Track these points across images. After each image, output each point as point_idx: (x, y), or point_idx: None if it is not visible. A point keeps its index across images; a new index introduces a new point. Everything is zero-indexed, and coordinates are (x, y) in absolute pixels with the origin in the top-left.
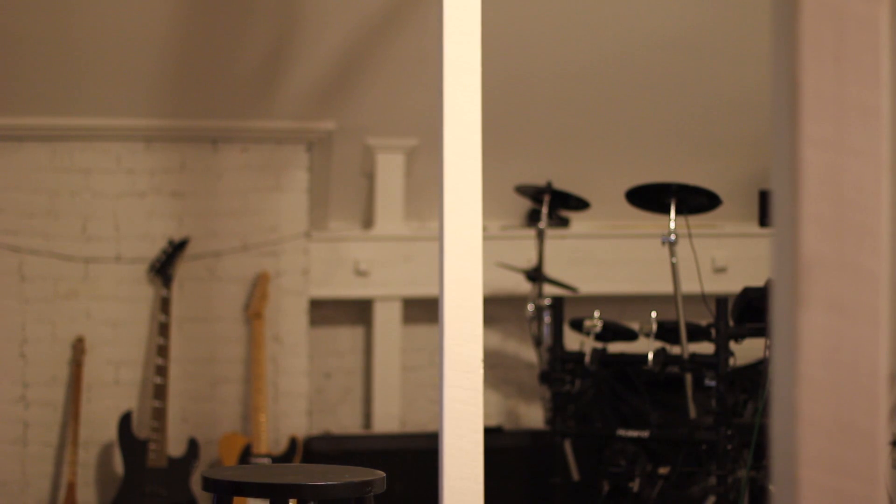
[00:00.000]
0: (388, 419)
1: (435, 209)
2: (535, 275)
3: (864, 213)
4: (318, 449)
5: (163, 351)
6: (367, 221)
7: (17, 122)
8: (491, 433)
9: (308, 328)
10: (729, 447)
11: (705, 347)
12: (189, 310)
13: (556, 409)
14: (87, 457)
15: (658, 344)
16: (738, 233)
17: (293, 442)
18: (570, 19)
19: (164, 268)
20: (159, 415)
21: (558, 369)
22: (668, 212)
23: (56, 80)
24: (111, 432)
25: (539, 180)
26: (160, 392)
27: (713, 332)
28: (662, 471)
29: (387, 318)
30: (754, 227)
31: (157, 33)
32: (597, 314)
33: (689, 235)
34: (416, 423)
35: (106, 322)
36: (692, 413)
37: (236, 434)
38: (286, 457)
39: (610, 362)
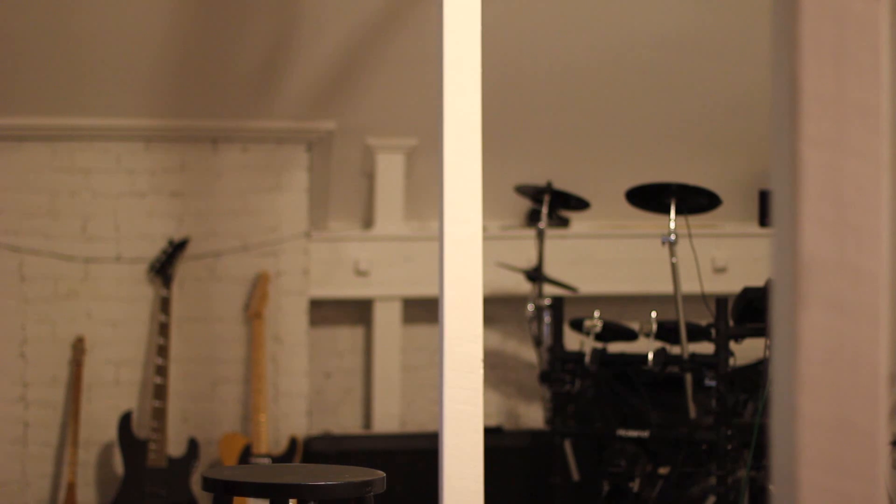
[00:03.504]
0: (388, 419)
1: (435, 209)
2: (535, 275)
3: (864, 214)
4: (318, 449)
5: (163, 351)
6: (367, 221)
7: (17, 122)
8: (491, 433)
9: (308, 328)
10: (729, 447)
11: (705, 347)
12: (189, 310)
13: (556, 409)
14: (87, 457)
15: (658, 344)
16: (738, 233)
17: (293, 442)
18: (570, 19)
19: (164, 268)
20: (159, 415)
21: (558, 369)
22: (668, 212)
23: (56, 80)
24: (111, 432)
25: (539, 180)
26: (160, 392)
27: (713, 332)
28: (662, 471)
29: (387, 318)
30: (754, 227)
31: (157, 33)
32: (597, 314)
33: (689, 235)
34: (416, 423)
35: (106, 322)
36: (692, 413)
37: (236, 434)
38: (286, 457)
39: (610, 362)
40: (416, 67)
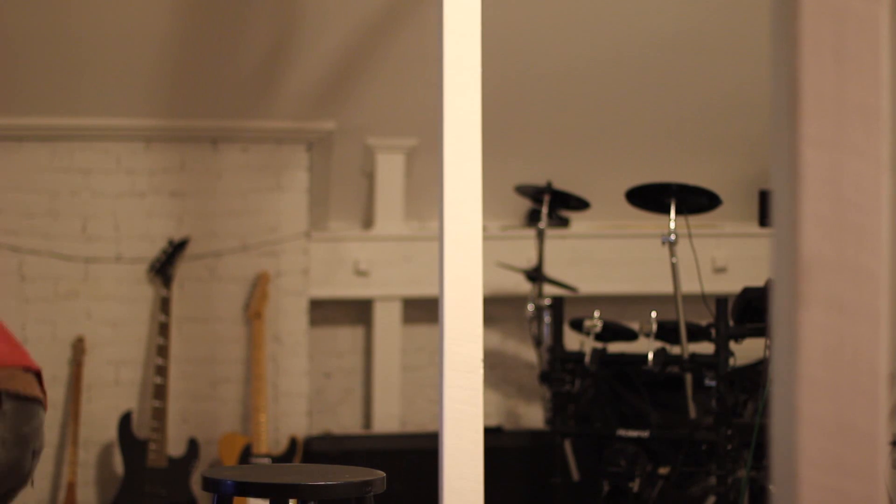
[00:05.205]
0: (388, 419)
1: (435, 209)
2: (535, 275)
3: (864, 213)
4: (318, 449)
5: (163, 351)
6: (367, 221)
7: (17, 122)
8: (491, 433)
9: (308, 328)
10: (729, 447)
11: (705, 347)
12: (189, 310)
13: (556, 409)
14: (87, 457)
15: (658, 344)
16: (738, 233)
17: (293, 442)
18: (570, 19)
19: (164, 268)
20: (159, 415)
21: (558, 369)
22: (668, 212)
23: (56, 80)
24: (111, 432)
25: (539, 180)
26: (160, 392)
27: (713, 332)
28: (662, 471)
29: (387, 318)
30: (754, 227)
31: (156, 33)
32: (597, 314)
33: (689, 235)
34: (416, 423)
35: (106, 322)
36: (692, 413)
37: (236, 434)
38: (286, 457)
39: (610, 362)
40: (415, 67)
